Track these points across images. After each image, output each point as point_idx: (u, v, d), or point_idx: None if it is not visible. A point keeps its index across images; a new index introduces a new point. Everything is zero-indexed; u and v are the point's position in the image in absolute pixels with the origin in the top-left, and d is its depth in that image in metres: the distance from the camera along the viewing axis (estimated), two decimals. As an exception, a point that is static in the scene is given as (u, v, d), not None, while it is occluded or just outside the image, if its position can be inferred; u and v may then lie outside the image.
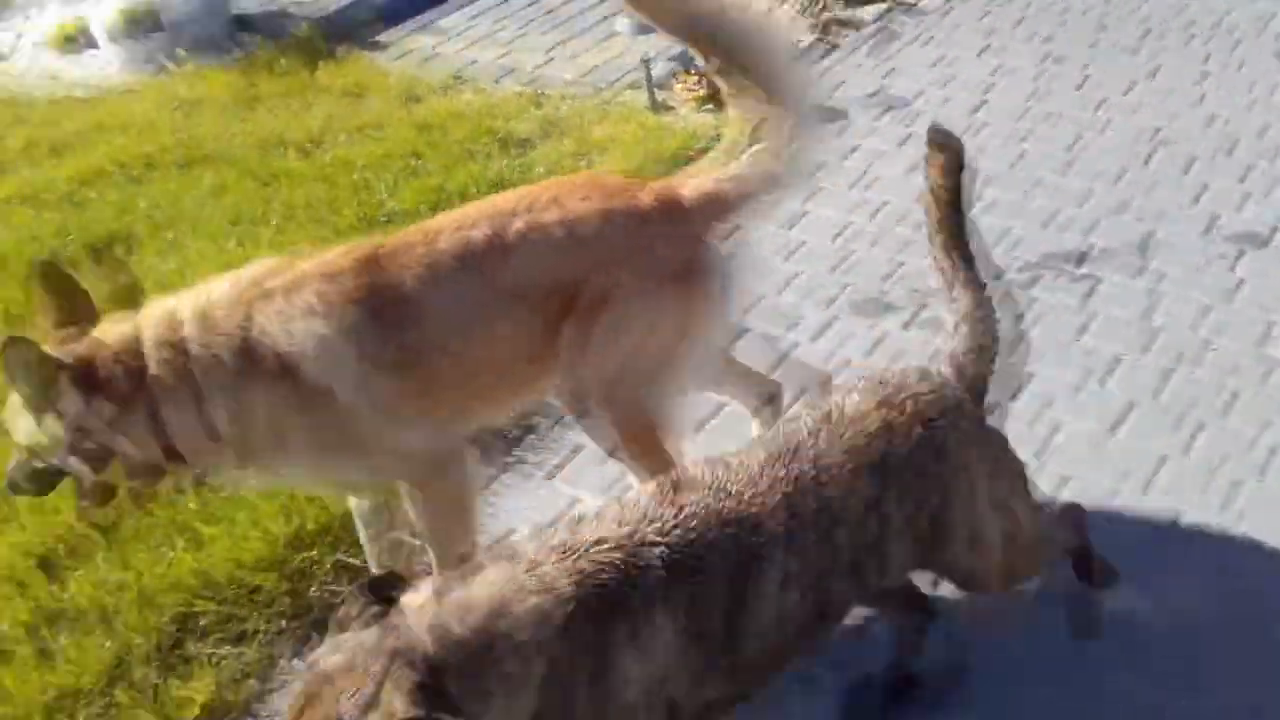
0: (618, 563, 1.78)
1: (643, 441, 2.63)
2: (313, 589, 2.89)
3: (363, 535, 2.85)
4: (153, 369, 2.34)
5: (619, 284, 2.49)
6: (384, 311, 2.41)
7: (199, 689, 2.64)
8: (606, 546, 1.79)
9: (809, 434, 2.01)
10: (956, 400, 2.13)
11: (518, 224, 2.48)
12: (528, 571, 1.73)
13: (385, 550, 2.81)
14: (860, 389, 2.10)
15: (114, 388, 2.33)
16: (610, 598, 1.75)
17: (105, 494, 2.55)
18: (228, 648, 2.78)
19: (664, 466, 2.48)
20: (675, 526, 1.85)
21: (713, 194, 2.59)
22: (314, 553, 2.96)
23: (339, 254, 2.48)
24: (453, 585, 1.70)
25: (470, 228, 2.49)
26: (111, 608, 2.84)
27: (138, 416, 2.35)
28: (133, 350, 2.35)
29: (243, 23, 6.34)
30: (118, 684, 2.67)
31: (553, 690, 1.68)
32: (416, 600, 1.67)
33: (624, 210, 2.54)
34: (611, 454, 2.81)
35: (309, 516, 3.02)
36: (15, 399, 2.40)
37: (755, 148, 2.62)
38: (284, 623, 2.84)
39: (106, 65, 6.18)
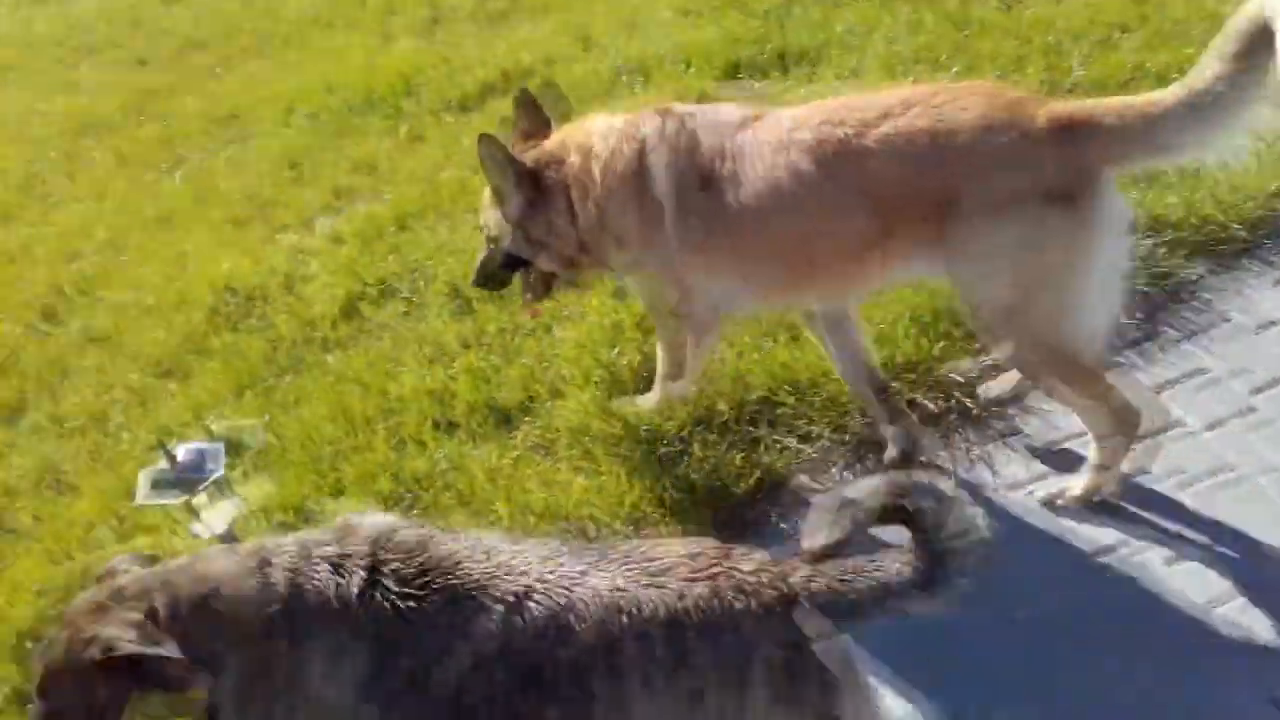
0: (332, 582, 1.78)
1: (1064, 375, 2.54)
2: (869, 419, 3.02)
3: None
4: (570, 175, 2.75)
5: (997, 201, 2.37)
6: (717, 177, 2.58)
7: (757, 466, 2.95)
8: (328, 562, 1.81)
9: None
10: None
11: (886, 127, 2.42)
12: (258, 566, 1.81)
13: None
14: None
15: (545, 187, 2.77)
16: (315, 613, 1.77)
17: (544, 287, 3.04)
18: (792, 440, 3.04)
19: (1099, 401, 2.47)
20: (414, 574, 1.79)
21: (1116, 125, 2.32)
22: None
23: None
24: (194, 560, 1.88)
25: (837, 126, 2.47)
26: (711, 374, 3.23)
27: (558, 212, 2.78)
28: (560, 159, 2.77)
29: None
30: (698, 434, 3.05)
31: (246, 679, 1.78)
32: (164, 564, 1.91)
33: (1009, 124, 2.36)
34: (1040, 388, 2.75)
35: (902, 351, 3.15)
36: (486, 194, 2.88)
37: (1188, 82, 2.27)
38: (845, 436, 3.04)
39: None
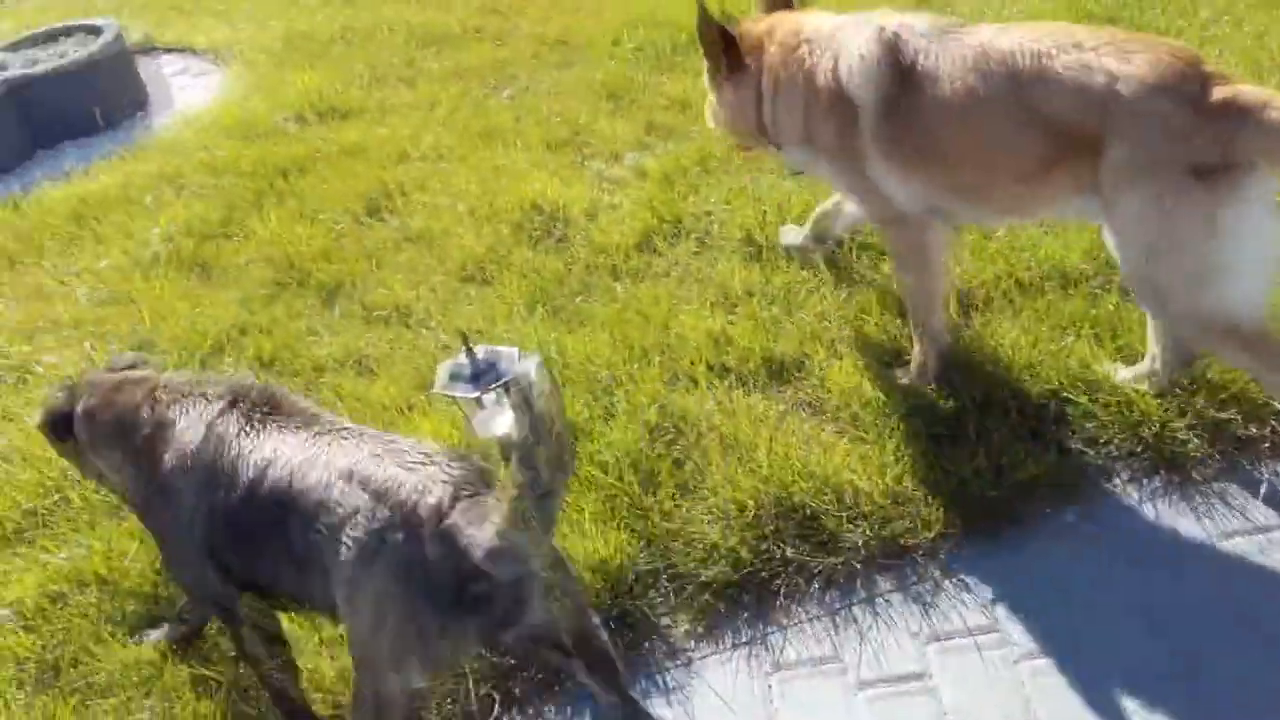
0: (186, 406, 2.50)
1: (1229, 342, 2.55)
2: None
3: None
4: (765, 59, 2.99)
5: (1143, 161, 2.42)
6: (915, 75, 2.70)
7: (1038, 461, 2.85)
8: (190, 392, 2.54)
9: None
10: None
11: (1073, 55, 2.49)
12: (156, 388, 2.57)
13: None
14: None
15: (742, 68, 3.03)
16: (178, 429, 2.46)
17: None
18: (1077, 441, 2.91)
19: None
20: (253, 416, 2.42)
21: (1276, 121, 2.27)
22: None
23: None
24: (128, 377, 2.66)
25: (1033, 42, 2.54)
26: (999, 359, 3.12)
27: (748, 92, 3.04)
28: (762, 44, 3.01)
29: None
30: (974, 418, 2.97)
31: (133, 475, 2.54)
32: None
33: (1177, 89, 2.37)
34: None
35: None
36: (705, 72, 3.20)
37: None
38: (1137, 447, 2.88)
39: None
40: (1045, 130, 2.55)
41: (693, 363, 3.43)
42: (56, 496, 3.38)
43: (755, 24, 3.09)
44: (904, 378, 3.20)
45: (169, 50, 6.81)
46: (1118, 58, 2.45)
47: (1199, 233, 2.41)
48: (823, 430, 3.10)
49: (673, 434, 3.20)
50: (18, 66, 5.94)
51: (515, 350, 2.62)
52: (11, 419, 3.78)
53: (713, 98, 3.23)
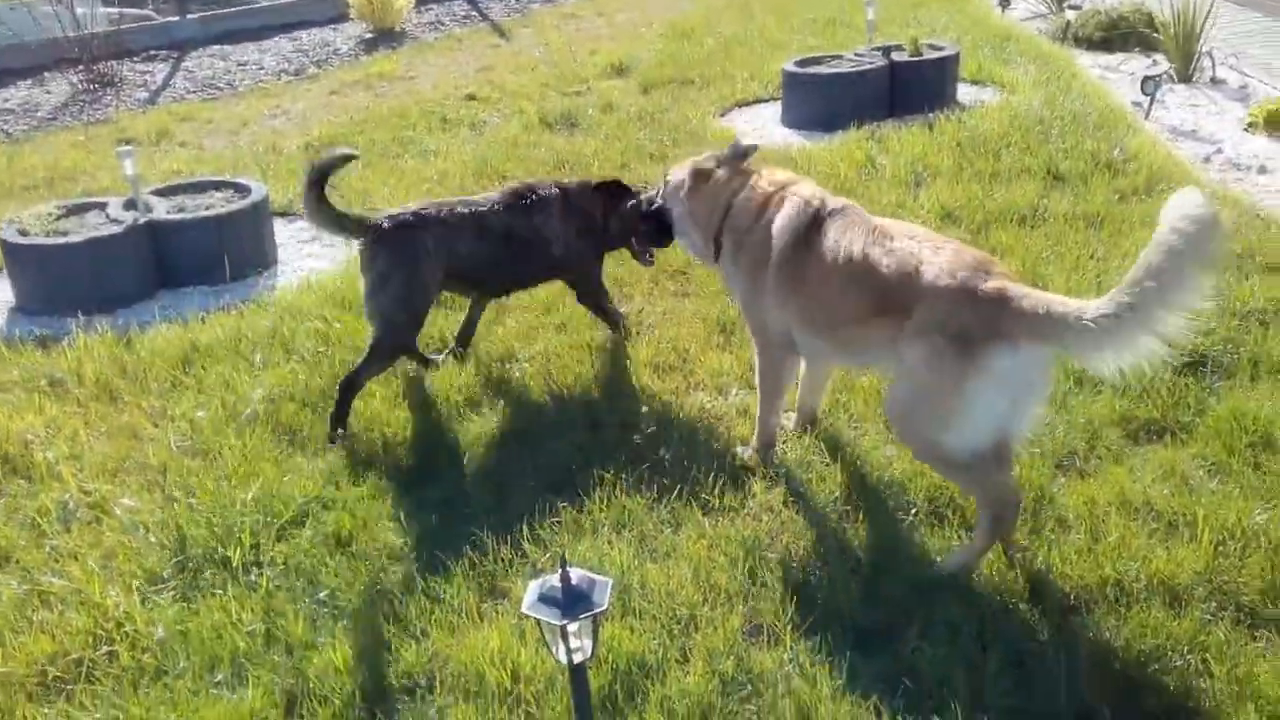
0: None
1: (936, 467, 3.59)
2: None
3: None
4: (732, 202, 4.01)
5: (927, 327, 3.24)
6: (810, 244, 3.69)
7: None
8: None
9: None
10: None
11: (903, 242, 3.45)
12: None
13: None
14: None
15: (701, 194, 4.13)
16: None
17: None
18: None
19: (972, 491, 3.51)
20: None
21: (1030, 313, 3.07)
22: None
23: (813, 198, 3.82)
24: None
25: (884, 226, 3.59)
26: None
27: (700, 217, 4.13)
28: (735, 189, 4.04)
29: None
30: None
31: None
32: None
33: (965, 275, 3.23)
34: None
35: None
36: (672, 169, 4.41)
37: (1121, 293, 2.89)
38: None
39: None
40: (875, 289, 3.43)
41: (776, 616, 3.30)
42: (106, 649, 3.30)
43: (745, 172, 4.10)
44: (744, 453, 4.09)
45: (306, 218, 7.12)
46: (932, 249, 3.36)
47: (949, 385, 3.19)
48: (907, 715, 2.91)
49: (748, 690, 3.04)
50: (163, 211, 6.23)
51: (610, 581, 2.52)
52: (78, 559, 3.75)
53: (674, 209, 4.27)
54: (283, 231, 6.87)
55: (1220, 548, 3.44)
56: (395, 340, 4.57)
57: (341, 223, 4.59)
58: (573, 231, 4.86)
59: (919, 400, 3.32)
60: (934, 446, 3.36)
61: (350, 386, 4.46)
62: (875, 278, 3.43)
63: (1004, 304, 3.13)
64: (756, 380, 4.11)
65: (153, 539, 3.84)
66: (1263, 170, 6.85)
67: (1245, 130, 7.62)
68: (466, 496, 4.00)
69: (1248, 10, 11.28)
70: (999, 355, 3.12)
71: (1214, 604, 3.26)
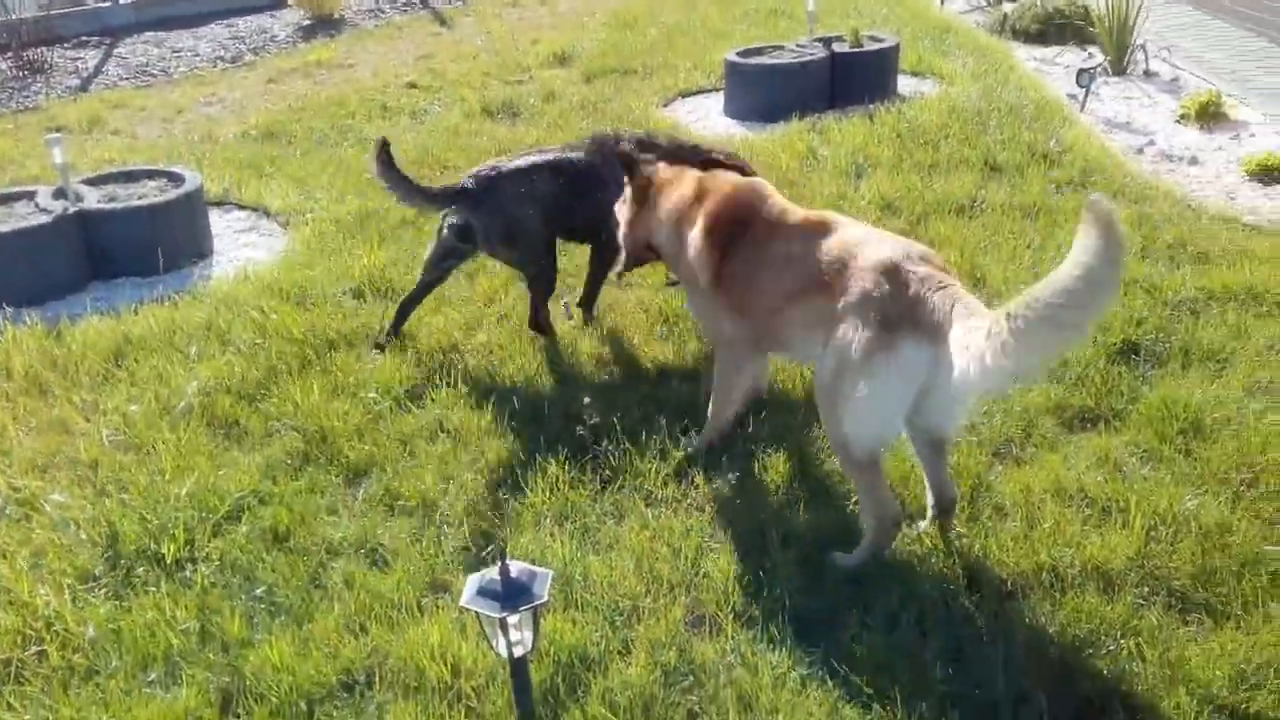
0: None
1: (840, 458, 3.56)
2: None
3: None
4: (663, 204, 4.07)
5: (845, 319, 3.30)
6: (736, 247, 3.77)
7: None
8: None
9: None
10: None
11: (835, 241, 3.49)
12: None
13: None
14: None
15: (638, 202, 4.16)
16: None
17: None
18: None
19: (861, 490, 3.50)
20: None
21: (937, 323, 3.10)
22: None
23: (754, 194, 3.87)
24: None
25: (821, 216, 3.71)
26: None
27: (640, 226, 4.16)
28: (662, 188, 4.10)
29: None
30: None
31: None
32: None
33: (897, 269, 3.25)
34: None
35: None
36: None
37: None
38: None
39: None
40: (810, 273, 3.47)
41: (719, 607, 3.30)
42: (35, 649, 3.22)
43: (668, 169, 4.16)
44: (689, 447, 4.07)
45: (243, 207, 6.98)
46: (869, 238, 3.47)
47: (859, 374, 3.21)
48: (848, 703, 2.93)
49: (690, 681, 3.04)
50: (94, 200, 6.09)
51: (550, 573, 2.50)
52: (6, 557, 3.65)
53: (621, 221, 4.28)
54: (218, 221, 6.74)
55: (1152, 533, 3.51)
56: (541, 273, 4.86)
57: (425, 194, 4.83)
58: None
59: (836, 380, 3.32)
60: (836, 439, 3.42)
61: (538, 327, 4.92)
62: (812, 262, 3.49)
63: (927, 295, 3.17)
64: (715, 376, 4.09)
65: (84, 536, 3.76)
66: (1194, 161, 6.99)
67: (1177, 122, 7.76)
68: (408, 489, 3.95)
69: (1179, 4, 11.50)
70: (910, 347, 3.16)
71: (1146, 589, 3.31)
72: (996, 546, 3.49)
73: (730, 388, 4.04)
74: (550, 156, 4.93)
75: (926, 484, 3.63)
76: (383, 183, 4.83)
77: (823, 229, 3.57)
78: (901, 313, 3.18)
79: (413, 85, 9.95)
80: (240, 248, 6.44)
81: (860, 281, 3.29)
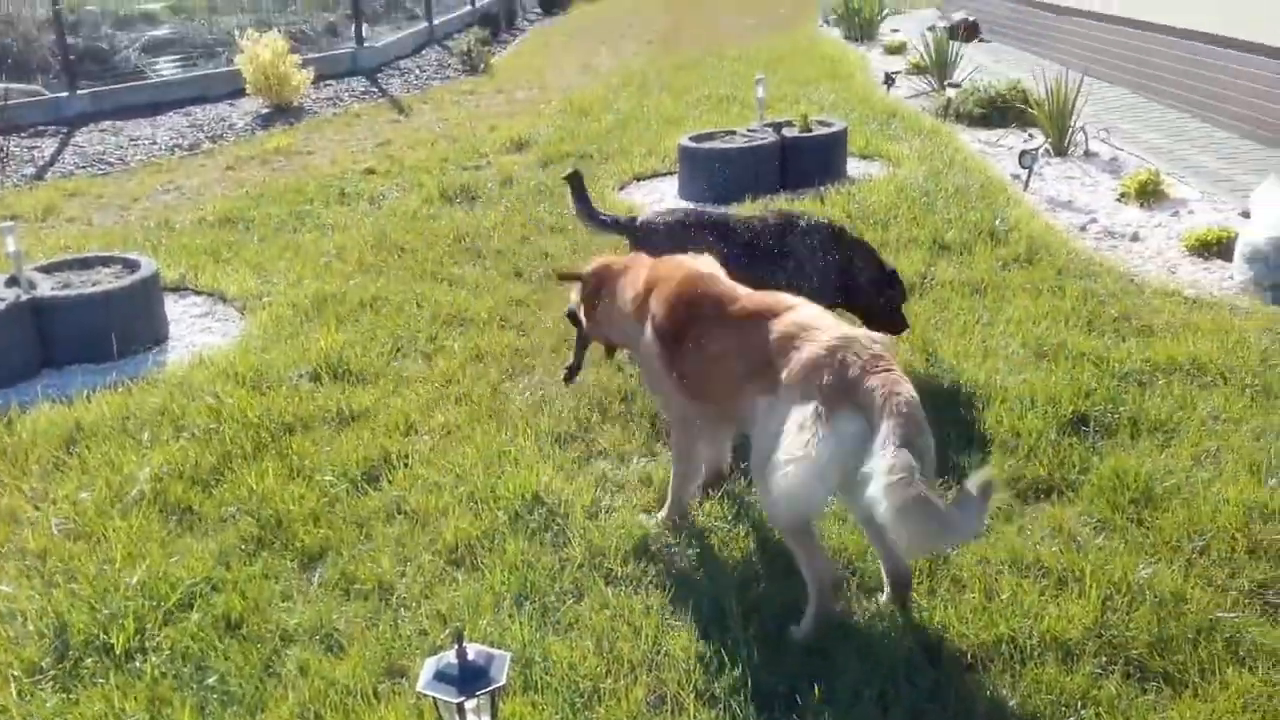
0: None
1: (779, 526, 3.68)
2: None
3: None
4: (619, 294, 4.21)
5: (784, 395, 3.42)
6: (687, 332, 3.86)
7: None
8: None
9: None
10: None
11: (777, 328, 3.57)
12: None
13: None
14: None
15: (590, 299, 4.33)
16: None
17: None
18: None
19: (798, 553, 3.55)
20: None
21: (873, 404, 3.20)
22: None
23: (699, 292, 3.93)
24: None
25: (772, 315, 3.64)
26: None
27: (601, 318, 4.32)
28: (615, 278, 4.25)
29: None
30: None
31: None
32: None
33: (833, 356, 3.35)
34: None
35: None
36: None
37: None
38: None
39: (1227, 280, 6.34)
40: (755, 359, 3.55)
41: (680, 686, 3.28)
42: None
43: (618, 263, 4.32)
44: (649, 521, 4.11)
45: (199, 293, 6.96)
46: (811, 335, 3.45)
47: (810, 443, 3.23)
48: None
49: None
50: (48, 288, 6.05)
51: (508, 656, 2.48)
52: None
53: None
54: (175, 307, 6.71)
55: (1108, 602, 3.54)
56: None
57: (607, 225, 5.50)
58: (820, 263, 5.23)
59: (764, 464, 3.41)
60: (774, 506, 3.43)
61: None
62: (755, 345, 3.58)
63: (862, 379, 3.25)
64: (673, 456, 4.16)
65: (31, 628, 3.67)
66: (1135, 238, 7.19)
67: (1118, 200, 8.00)
68: (364, 573, 3.90)
69: (1116, 87, 11.92)
70: (850, 422, 3.22)
71: (1104, 658, 3.34)
72: (956, 619, 3.50)
73: (686, 466, 4.11)
74: (736, 220, 5.45)
75: (881, 563, 3.65)
76: (574, 206, 5.52)
77: (770, 312, 3.65)
78: (839, 391, 3.25)
79: (371, 171, 10.04)
80: (196, 333, 6.40)
81: (802, 362, 3.38)
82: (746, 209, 7.81)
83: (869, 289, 5.25)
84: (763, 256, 5.18)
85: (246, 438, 4.85)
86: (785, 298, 3.78)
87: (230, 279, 7.05)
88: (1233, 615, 3.48)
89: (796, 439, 3.27)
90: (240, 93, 13.52)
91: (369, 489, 4.48)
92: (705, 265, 4.11)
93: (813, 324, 3.53)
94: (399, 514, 4.29)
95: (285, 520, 4.23)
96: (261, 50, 12.83)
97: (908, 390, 3.23)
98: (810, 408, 3.28)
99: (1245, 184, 7.93)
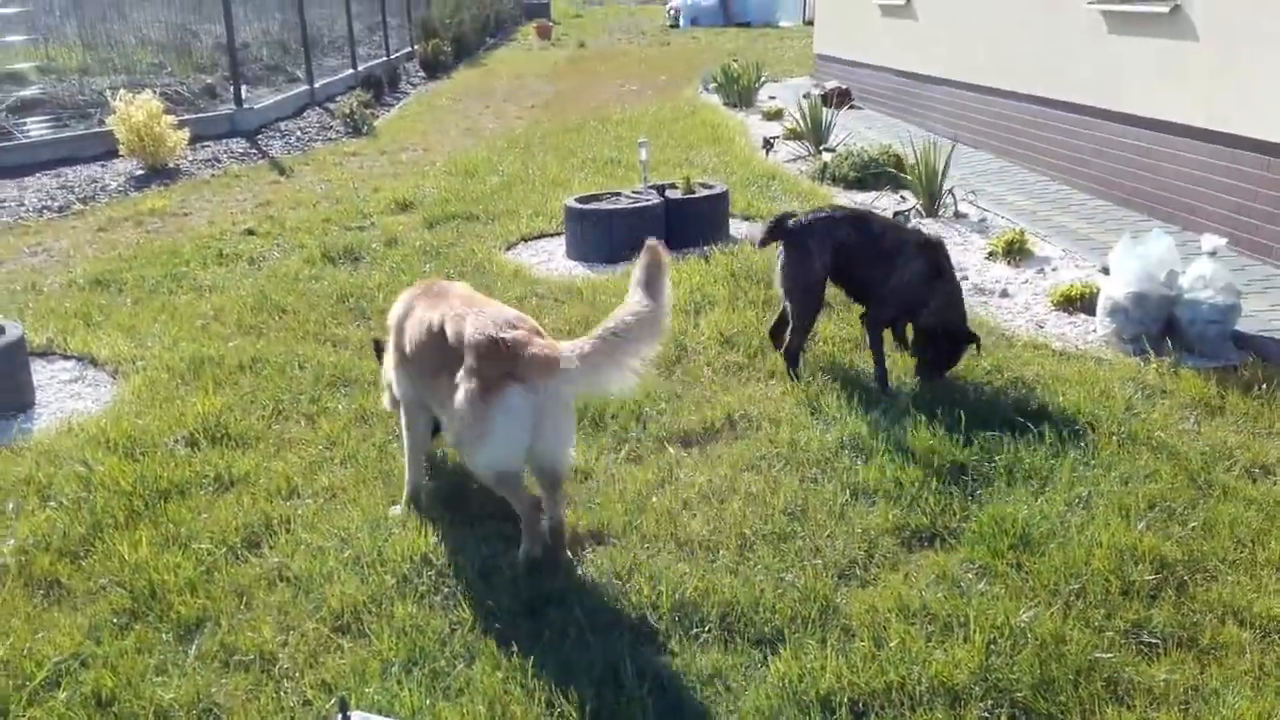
0: None
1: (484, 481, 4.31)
2: None
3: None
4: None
5: (468, 373, 4.06)
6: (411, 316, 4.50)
7: None
8: None
9: None
10: None
11: (470, 319, 4.16)
12: None
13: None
14: None
15: None
16: None
17: None
18: None
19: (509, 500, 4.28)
20: None
21: (545, 360, 3.97)
22: None
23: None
24: None
25: (464, 308, 4.27)
26: None
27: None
28: None
29: (1240, 340, 6.34)
30: None
31: None
32: None
33: (494, 334, 4.04)
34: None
35: None
36: None
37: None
38: None
39: (1091, 334, 6.64)
40: (449, 349, 4.16)
41: None
42: None
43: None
44: (395, 508, 4.63)
45: (69, 357, 6.68)
46: (476, 313, 4.15)
47: (479, 416, 3.97)
48: None
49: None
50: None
51: None
52: None
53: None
54: (42, 372, 6.44)
55: (992, 646, 3.63)
56: (803, 311, 5.97)
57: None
58: (915, 266, 5.77)
59: (463, 432, 4.07)
60: (476, 467, 4.17)
61: (793, 357, 5.99)
62: (449, 337, 4.20)
63: (521, 350, 3.96)
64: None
65: (-122, 715, 3.43)
66: (1005, 294, 7.49)
67: (987, 259, 8.33)
68: (245, 643, 3.76)
69: (981, 151, 12.47)
70: (513, 394, 3.94)
71: (990, 702, 3.41)
72: (847, 668, 3.53)
73: (412, 446, 4.69)
74: (874, 216, 6.22)
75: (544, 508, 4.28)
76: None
77: (439, 303, 4.37)
78: (502, 369, 3.96)
79: (251, 232, 9.85)
80: (66, 399, 6.14)
81: (470, 352, 4.04)
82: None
83: (935, 323, 5.73)
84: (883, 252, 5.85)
85: (119, 506, 4.66)
86: (442, 286, 4.59)
87: (102, 343, 6.80)
88: (1110, 655, 3.60)
89: (480, 418, 4.00)
90: (113, 154, 13.16)
91: (249, 555, 4.33)
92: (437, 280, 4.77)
93: (465, 318, 4.17)
94: (281, 580, 4.16)
95: (160, 591, 4.06)
96: (135, 111, 12.53)
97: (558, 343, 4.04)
98: (482, 389, 3.97)
99: (1104, 242, 8.36)
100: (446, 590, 4.02)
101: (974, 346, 5.79)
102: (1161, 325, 6.37)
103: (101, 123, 13.44)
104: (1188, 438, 5.10)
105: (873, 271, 5.85)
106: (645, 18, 41.60)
